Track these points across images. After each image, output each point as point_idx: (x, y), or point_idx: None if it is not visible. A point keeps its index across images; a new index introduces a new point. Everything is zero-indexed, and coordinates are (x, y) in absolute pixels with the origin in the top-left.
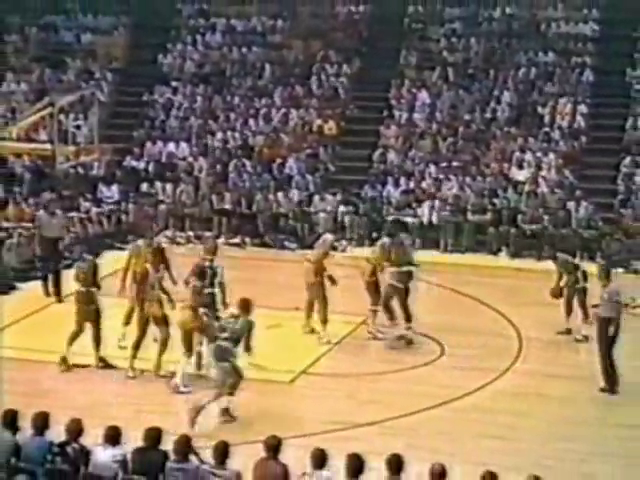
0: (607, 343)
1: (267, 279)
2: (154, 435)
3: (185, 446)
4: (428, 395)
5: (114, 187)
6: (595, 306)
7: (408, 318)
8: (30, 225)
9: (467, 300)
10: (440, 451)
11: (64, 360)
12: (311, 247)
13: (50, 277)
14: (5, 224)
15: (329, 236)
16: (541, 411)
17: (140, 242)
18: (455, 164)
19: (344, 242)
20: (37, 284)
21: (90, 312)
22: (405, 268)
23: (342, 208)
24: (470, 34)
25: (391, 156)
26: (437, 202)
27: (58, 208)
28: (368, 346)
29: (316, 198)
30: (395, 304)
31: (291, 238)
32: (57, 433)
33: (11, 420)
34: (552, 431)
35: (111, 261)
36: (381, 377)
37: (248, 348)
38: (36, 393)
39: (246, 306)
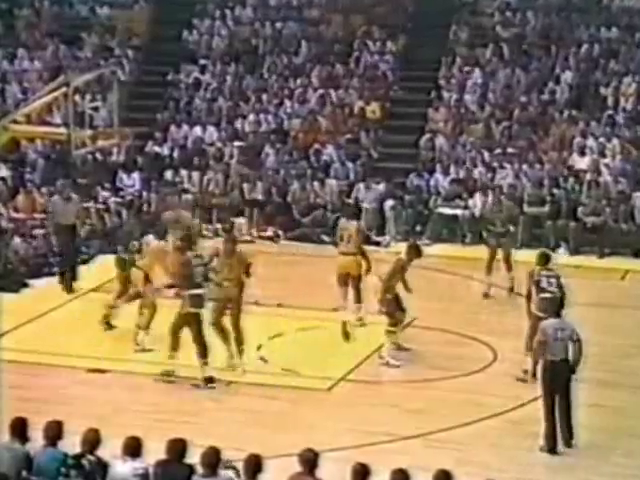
0: None
1: (303, 276)
2: (178, 447)
3: (214, 459)
4: (479, 405)
5: (135, 175)
6: None
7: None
8: (42, 216)
9: (522, 301)
10: (491, 466)
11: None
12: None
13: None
14: (15, 214)
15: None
16: (599, 423)
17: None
18: (510, 151)
19: (387, 237)
20: (51, 280)
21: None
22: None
23: (386, 200)
24: (526, 7)
25: (440, 142)
26: (490, 193)
27: (73, 192)
28: (414, 351)
29: (357, 187)
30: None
31: (329, 231)
32: (72, 444)
33: (20, 429)
34: (610, 445)
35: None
36: (428, 385)
37: None
38: (49, 400)
39: None
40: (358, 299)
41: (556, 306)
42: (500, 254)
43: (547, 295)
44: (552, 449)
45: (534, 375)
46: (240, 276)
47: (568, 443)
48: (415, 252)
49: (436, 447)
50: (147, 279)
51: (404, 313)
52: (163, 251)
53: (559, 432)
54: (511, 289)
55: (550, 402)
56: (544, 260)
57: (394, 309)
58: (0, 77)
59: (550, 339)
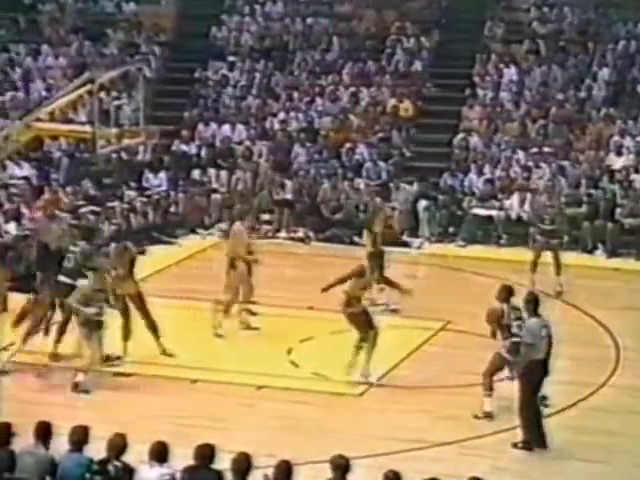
0: None
1: (333, 278)
2: (207, 452)
3: (244, 465)
4: (515, 412)
5: (161, 174)
6: None
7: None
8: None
9: (558, 304)
10: (527, 474)
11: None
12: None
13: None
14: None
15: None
16: (637, 431)
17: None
18: (546, 150)
19: (420, 238)
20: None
21: None
22: None
23: (420, 200)
24: (563, 3)
25: (474, 140)
26: (527, 194)
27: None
28: (448, 355)
29: (389, 188)
30: None
31: (360, 232)
32: (97, 449)
33: (45, 434)
34: None
35: (157, 257)
36: (462, 390)
37: None
38: (74, 404)
39: None
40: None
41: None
42: (549, 255)
43: (517, 340)
44: (529, 447)
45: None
46: None
47: (544, 444)
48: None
49: (470, 454)
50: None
51: (373, 331)
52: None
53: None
54: (559, 293)
55: (529, 399)
56: (507, 294)
57: (363, 322)
58: (24, 74)
59: (537, 339)
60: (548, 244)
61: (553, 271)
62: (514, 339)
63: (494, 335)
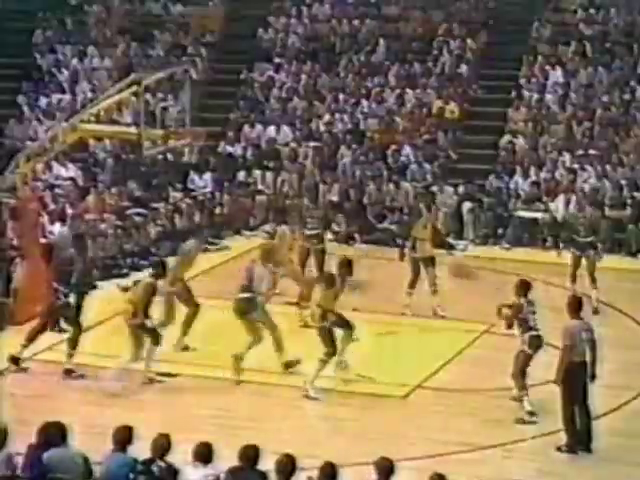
0: None
1: (379, 280)
2: (251, 453)
3: (289, 467)
4: (559, 415)
5: (207, 176)
6: None
7: None
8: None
9: (603, 308)
10: (571, 478)
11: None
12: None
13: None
14: (86, 216)
15: None
16: None
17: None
18: (591, 152)
19: (465, 241)
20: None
21: None
22: None
23: (465, 202)
24: (610, 4)
25: (520, 142)
26: (573, 196)
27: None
28: (492, 357)
29: (435, 190)
30: None
31: (405, 235)
32: (141, 449)
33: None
34: None
35: (203, 258)
36: (507, 393)
37: None
38: (117, 404)
39: None
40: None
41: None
42: (584, 265)
43: (536, 333)
44: (573, 450)
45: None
46: None
47: (588, 447)
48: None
49: (515, 457)
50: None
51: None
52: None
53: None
54: (595, 310)
55: (569, 404)
56: (525, 290)
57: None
58: (70, 75)
59: (576, 341)
60: (583, 255)
61: (588, 285)
62: (533, 332)
63: (510, 326)
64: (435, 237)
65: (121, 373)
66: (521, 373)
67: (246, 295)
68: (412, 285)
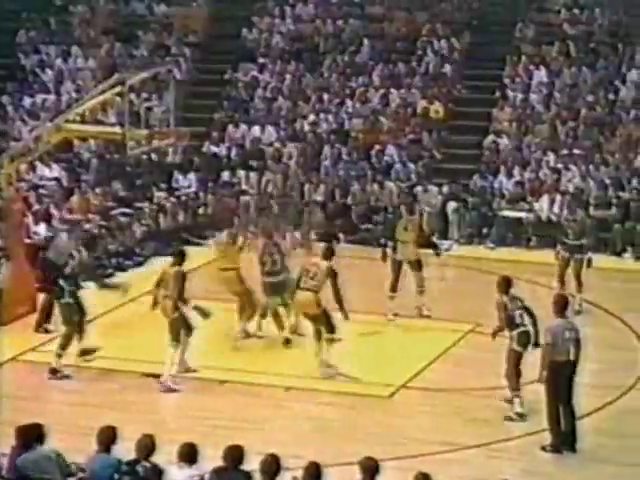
0: None
1: (362, 280)
2: (236, 454)
3: (274, 467)
4: (545, 415)
5: (191, 176)
6: None
7: None
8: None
9: (587, 307)
10: (556, 478)
11: None
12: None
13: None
14: (69, 216)
15: None
16: None
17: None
18: (576, 152)
19: (449, 240)
20: None
21: None
22: None
23: (449, 202)
24: (594, 4)
25: (504, 142)
26: (557, 196)
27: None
28: (478, 357)
29: (419, 189)
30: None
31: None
32: (126, 450)
33: (38, 435)
34: None
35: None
36: (492, 393)
37: None
38: (103, 405)
39: None
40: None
41: (562, 308)
42: (571, 268)
43: (523, 329)
44: (558, 449)
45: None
46: None
47: (572, 447)
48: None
49: (500, 457)
50: None
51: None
52: None
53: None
54: (578, 312)
55: (554, 403)
56: (507, 286)
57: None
58: (54, 75)
59: (558, 340)
60: (572, 259)
61: (574, 287)
62: (521, 329)
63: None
64: (420, 237)
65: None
66: (514, 372)
67: None
68: (393, 288)
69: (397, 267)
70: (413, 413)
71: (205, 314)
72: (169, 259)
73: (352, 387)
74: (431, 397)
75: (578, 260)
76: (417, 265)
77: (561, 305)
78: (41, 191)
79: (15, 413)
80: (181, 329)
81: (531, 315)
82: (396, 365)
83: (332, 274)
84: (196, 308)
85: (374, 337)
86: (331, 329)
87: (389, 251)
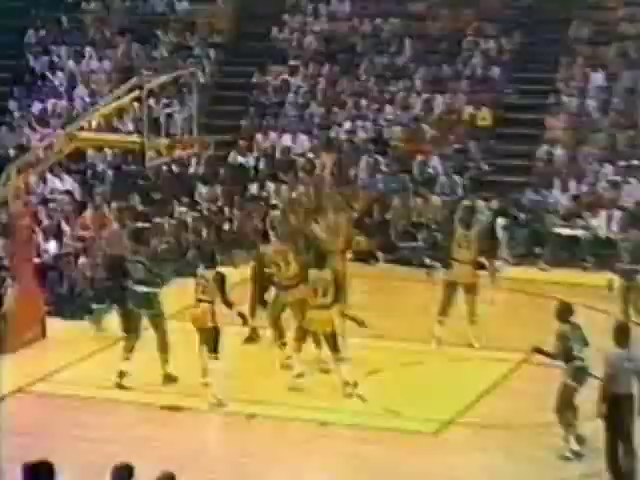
0: None
1: (403, 304)
2: None
3: None
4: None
5: (216, 188)
6: None
7: None
8: None
9: None
10: None
11: None
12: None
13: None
14: (82, 232)
15: None
16: None
17: None
18: (635, 163)
19: (499, 261)
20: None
21: None
22: None
23: (498, 218)
24: None
25: (558, 152)
26: (616, 212)
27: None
28: (530, 390)
29: (464, 203)
30: None
31: (433, 254)
32: None
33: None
34: None
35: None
36: (545, 429)
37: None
38: (115, 440)
39: None
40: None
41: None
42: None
43: (580, 364)
44: None
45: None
46: None
47: None
48: None
49: None
50: None
51: None
52: None
53: None
54: None
55: (612, 440)
56: (567, 314)
57: None
58: (66, 78)
59: (618, 371)
60: (628, 284)
61: (634, 315)
62: (578, 363)
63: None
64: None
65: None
66: (566, 408)
67: None
68: (443, 311)
69: (450, 289)
70: (460, 451)
71: (245, 320)
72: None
73: (393, 422)
74: (480, 434)
75: (636, 287)
76: (473, 289)
77: (622, 334)
78: (51, 205)
79: (22, 450)
80: (218, 339)
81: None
82: (441, 399)
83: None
84: (240, 314)
85: (417, 367)
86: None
87: (435, 271)
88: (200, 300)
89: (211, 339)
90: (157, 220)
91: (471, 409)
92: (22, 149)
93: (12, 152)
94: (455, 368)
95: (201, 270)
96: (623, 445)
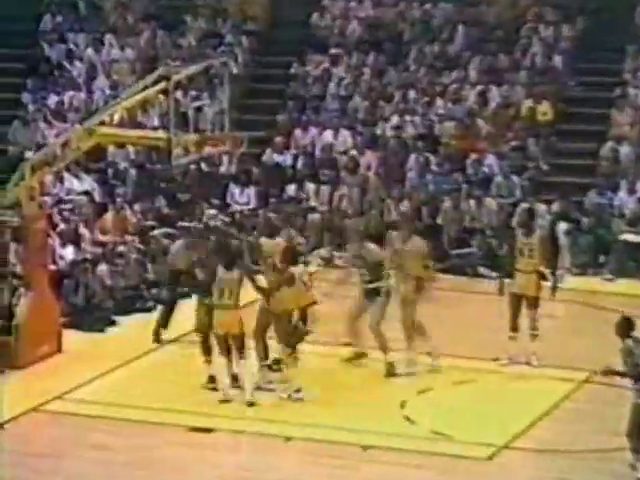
0: None
1: (454, 317)
2: None
3: None
4: None
5: (250, 190)
6: None
7: None
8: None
9: None
10: None
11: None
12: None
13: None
14: (102, 237)
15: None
16: None
17: None
18: None
19: (560, 270)
20: (145, 317)
21: None
22: None
23: (560, 223)
24: None
25: (625, 150)
26: None
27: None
28: (594, 412)
29: (523, 206)
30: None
31: (487, 262)
32: None
33: None
34: None
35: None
36: (611, 455)
37: None
38: (140, 464)
39: None
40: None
41: None
42: None
43: None
44: None
45: None
46: None
47: None
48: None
49: None
50: None
51: None
52: None
53: None
54: None
55: None
56: (629, 329)
57: None
58: (85, 69)
59: None
60: None
61: None
62: None
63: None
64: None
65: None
66: (635, 432)
67: None
68: (514, 327)
69: (516, 301)
70: (516, 478)
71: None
72: None
73: (444, 447)
74: (538, 460)
75: None
76: (534, 301)
77: None
78: (69, 207)
79: (37, 474)
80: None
81: None
82: (496, 421)
83: None
84: None
85: (470, 386)
86: None
87: (498, 282)
88: (223, 305)
89: (241, 345)
90: (184, 224)
91: (528, 432)
92: (37, 146)
93: (26, 149)
94: (511, 387)
95: (221, 273)
96: None
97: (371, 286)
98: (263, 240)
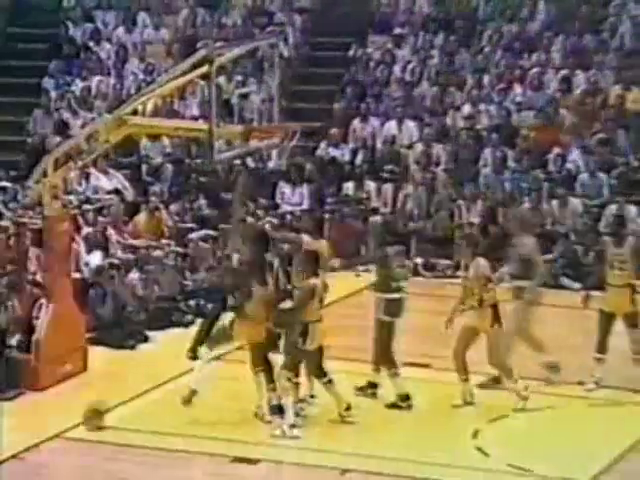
0: None
1: (538, 333)
2: None
3: None
4: None
5: (302, 187)
6: None
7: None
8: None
9: None
10: None
11: None
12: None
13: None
14: (133, 241)
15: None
16: None
17: None
18: None
19: None
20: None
21: None
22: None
23: None
24: None
25: None
26: None
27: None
28: None
29: (611, 209)
30: None
31: (570, 271)
32: None
33: None
34: None
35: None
36: None
37: None
38: None
39: None
40: None
41: None
42: None
43: None
44: None
45: None
46: None
47: None
48: None
49: None
50: None
51: None
52: None
53: None
54: None
55: None
56: None
57: None
58: (114, 51)
59: None
60: None
61: None
62: None
63: None
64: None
65: None
66: None
67: None
68: (601, 348)
69: (605, 320)
70: None
71: None
72: None
73: None
74: None
75: None
76: (632, 319)
77: None
78: (96, 207)
79: None
80: None
81: None
82: (579, 453)
83: None
84: None
85: (549, 414)
86: None
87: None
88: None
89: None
90: (226, 226)
91: (616, 466)
92: (60, 137)
93: (48, 141)
94: (597, 415)
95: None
96: None
97: None
98: (306, 239)
